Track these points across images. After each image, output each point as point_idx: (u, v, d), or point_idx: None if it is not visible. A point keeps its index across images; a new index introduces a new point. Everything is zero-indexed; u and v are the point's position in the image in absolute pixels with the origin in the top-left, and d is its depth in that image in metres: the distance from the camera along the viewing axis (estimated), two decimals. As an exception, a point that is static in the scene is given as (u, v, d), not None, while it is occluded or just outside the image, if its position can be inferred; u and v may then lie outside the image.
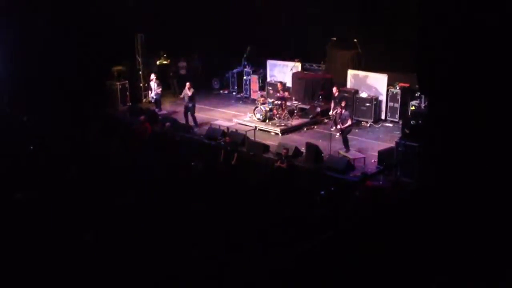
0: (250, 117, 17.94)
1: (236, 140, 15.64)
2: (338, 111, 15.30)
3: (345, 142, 14.91)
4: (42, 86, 18.21)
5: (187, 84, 17.86)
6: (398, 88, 17.55)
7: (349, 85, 18.65)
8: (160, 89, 19.57)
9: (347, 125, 14.92)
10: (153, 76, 19.66)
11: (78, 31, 18.99)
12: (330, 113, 16.80)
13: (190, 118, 17.76)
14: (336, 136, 15.47)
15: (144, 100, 21.27)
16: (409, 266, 5.30)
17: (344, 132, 14.96)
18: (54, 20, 19.10)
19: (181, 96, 18.24)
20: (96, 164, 13.52)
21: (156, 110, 19.26)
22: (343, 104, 15.32)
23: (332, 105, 16.88)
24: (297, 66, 20.22)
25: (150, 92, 20.05)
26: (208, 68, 22.76)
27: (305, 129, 17.38)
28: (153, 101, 19.79)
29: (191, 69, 22.69)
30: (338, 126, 15.16)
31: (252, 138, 16.09)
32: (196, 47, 22.55)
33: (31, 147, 14.13)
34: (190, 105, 17.66)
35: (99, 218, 9.86)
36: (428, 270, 5.23)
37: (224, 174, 13.92)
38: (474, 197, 5.64)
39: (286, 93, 17.88)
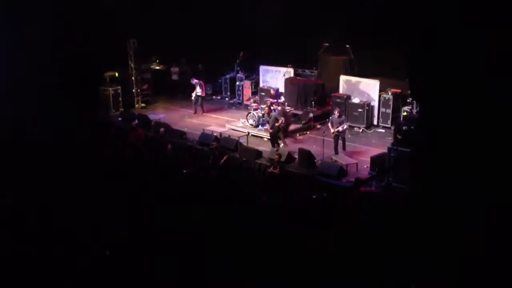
0: (243, 123, 17.94)
1: (228, 146, 15.62)
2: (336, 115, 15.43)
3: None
4: (33, 90, 18.14)
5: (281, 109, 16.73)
6: (390, 93, 17.61)
7: (341, 90, 18.72)
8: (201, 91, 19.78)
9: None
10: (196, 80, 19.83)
11: (70, 36, 18.96)
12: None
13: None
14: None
15: (137, 105, 21.25)
16: (396, 270, 5.32)
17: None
18: (47, 27, 19.07)
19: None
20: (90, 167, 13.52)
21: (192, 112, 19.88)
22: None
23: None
24: (289, 71, 20.25)
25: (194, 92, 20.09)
26: (200, 73, 22.74)
27: (297, 134, 17.40)
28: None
29: (181, 74, 22.72)
30: (340, 128, 15.20)
31: (245, 143, 16.09)
32: (186, 52, 22.53)
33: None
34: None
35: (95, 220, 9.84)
36: (413, 275, 5.28)
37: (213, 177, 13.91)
38: (466, 203, 5.67)
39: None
